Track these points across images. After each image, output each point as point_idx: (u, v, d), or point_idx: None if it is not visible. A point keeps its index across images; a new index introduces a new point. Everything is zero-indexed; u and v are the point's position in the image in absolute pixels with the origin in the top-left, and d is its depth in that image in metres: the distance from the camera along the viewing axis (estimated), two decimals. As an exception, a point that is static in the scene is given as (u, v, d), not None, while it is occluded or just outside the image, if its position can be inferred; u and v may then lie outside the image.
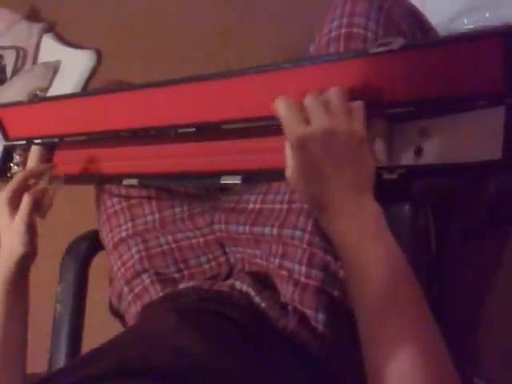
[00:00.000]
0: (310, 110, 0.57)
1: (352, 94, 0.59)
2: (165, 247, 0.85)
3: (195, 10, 1.71)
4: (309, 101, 0.58)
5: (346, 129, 0.56)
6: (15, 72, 1.92)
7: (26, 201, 0.80)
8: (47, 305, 0.90)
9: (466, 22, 1.07)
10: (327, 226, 0.58)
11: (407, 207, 0.68)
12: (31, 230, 0.81)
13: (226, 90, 0.72)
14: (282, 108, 0.58)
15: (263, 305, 0.71)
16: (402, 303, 0.52)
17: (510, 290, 1.01)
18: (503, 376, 0.99)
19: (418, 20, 0.76)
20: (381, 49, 0.58)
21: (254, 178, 0.74)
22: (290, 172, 0.59)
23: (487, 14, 1.03)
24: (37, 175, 0.86)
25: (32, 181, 0.86)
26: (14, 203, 0.81)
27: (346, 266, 0.57)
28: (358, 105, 0.58)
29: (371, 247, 0.54)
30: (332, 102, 0.58)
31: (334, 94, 0.58)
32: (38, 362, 0.86)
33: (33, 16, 2.04)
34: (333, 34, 0.71)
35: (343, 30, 0.70)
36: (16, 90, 1.80)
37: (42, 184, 0.84)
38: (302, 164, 0.57)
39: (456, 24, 1.07)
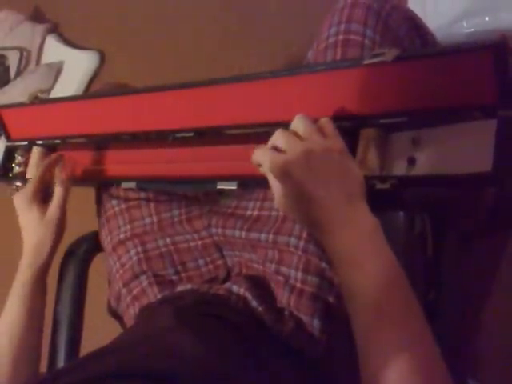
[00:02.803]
0: (282, 144, 0.58)
1: (347, 104, 0.60)
2: (163, 249, 0.85)
3: (196, 12, 1.71)
4: (278, 135, 0.59)
5: (323, 146, 0.57)
6: (19, 72, 1.92)
7: (59, 190, 0.86)
8: (47, 305, 0.90)
9: (465, 25, 1.06)
10: (324, 243, 0.58)
11: (402, 213, 0.68)
12: (64, 219, 0.87)
13: (224, 96, 0.73)
14: (257, 156, 0.60)
15: (260, 309, 0.71)
16: (397, 315, 0.52)
17: (507, 292, 1.02)
18: (498, 378, 0.99)
19: (415, 25, 0.76)
20: (374, 60, 0.58)
21: (249, 183, 0.74)
22: (278, 200, 0.59)
23: (487, 18, 1.03)
24: (51, 168, 0.89)
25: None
26: (40, 198, 0.86)
27: (342, 280, 0.57)
28: (325, 120, 0.60)
29: (365, 261, 0.54)
30: (299, 128, 0.59)
31: (297, 121, 0.59)
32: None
33: (36, 17, 2.04)
34: (330, 40, 0.71)
35: (341, 37, 0.70)
36: (19, 91, 1.81)
37: (59, 174, 0.89)
38: (288, 190, 0.57)
39: (456, 28, 1.07)
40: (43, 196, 0.87)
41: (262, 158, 0.59)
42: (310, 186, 0.56)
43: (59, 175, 0.88)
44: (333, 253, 0.57)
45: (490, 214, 0.99)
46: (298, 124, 0.59)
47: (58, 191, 0.86)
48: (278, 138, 0.59)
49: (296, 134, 0.59)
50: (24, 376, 0.80)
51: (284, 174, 0.57)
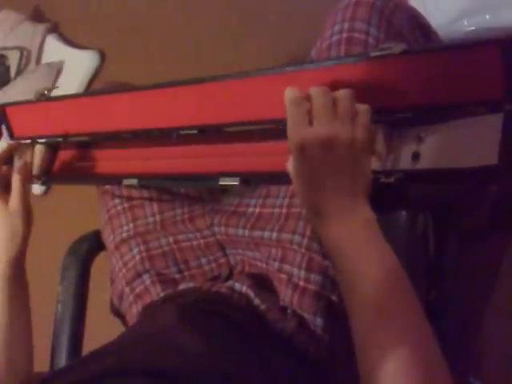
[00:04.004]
0: (315, 109, 0.57)
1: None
2: (166, 248, 0.85)
3: (197, 10, 1.71)
4: (316, 97, 0.57)
5: (348, 136, 0.56)
6: (19, 72, 1.92)
7: (16, 179, 0.81)
8: (48, 305, 0.90)
9: (466, 23, 1.06)
10: (320, 231, 0.58)
11: (405, 211, 0.68)
12: (28, 208, 0.82)
13: (227, 93, 0.72)
14: (288, 101, 0.57)
15: (262, 307, 0.71)
16: (394, 310, 0.52)
17: (509, 291, 1.02)
18: (499, 376, 0.99)
19: (419, 23, 0.76)
20: (381, 53, 0.59)
21: (252, 180, 0.74)
22: (291, 169, 0.59)
23: (487, 16, 1.03)
24: (8, 154, 0.84)
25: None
26: (2, 189, 0.81)
27: (338, 272, 0.57)
28: (366, 109, 0.57)
29: (363, 254, 0.54)
30: (340, 102, 0.57)
31: (343, 94, 0.57)
32: (39, 362, 0.86)
33: (37, 16, 2.04)
34: (334, 38, 0.71)
35: (344, 35, 0.70)
36: (20, 90, 1.81)
37: (20, 159, 0.84)
38: (299, 165, 0.57)
39: (456, 26, 1.07)
40: (4, 188, 0.82)
41: (289, 113, 0.57)
42: (319, 170, 0.56)
43: (16, 163, 0.83)
44: (327, 245, 0.57)
45: (492, 213, 0.99)
46: (342, 98, 0.57)
47: (14, 180, 0.81)
48: (316, 96, 0.57)
49: (333, 104, 0.57)
50: (18, 369, 0.79)
51: (300, 149, 0.56)
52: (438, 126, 0.59)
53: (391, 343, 0.50)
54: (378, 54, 0.59)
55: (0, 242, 0.81)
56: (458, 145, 0.57)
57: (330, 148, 0.55)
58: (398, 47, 0.57)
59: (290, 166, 0.59)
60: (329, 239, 0.57)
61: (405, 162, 0.60)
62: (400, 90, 0.60)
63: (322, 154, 0.55)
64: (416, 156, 0.59)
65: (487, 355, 1.02)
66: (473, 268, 1.02)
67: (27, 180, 0.83)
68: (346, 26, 0.70)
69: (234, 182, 0.72)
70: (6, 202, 0.81)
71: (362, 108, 0.57)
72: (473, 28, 1.05)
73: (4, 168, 0.83)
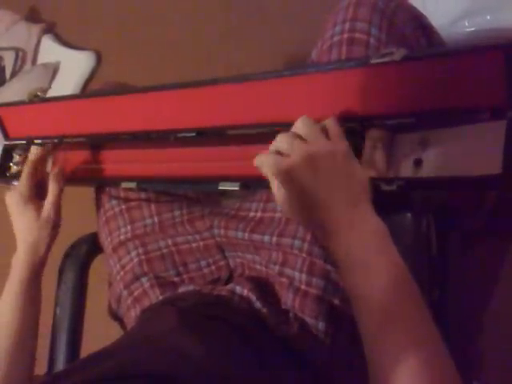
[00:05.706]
0: (285, 146, 0.57)
1: (353, 104, 0.59)
2: (164, 251, 0.84)
3: (195, 11, 1.71)
4: (280, 139, 0.58)
5: (327, 148, 0.56)
6: (14, 73, 1.92)
7: (53, 188, 0.84)
8: (46, 307, 0.89)
9: (467, 24, 1.06)
10: (328, 245, 0.58)
11: (408, 214, 0.68)
12: (59, 218, 0.85)
13: (227, 96, 0.72)
14: (260, 160, 0.59)
15: (264, 310, 0.70)
16: (403, 315, 0.52)
17: (508, 293, 1.01)
18: (502, 379, 0.99)
19: (421, 24, 0.75)
20: (382, 59, 0.58)
21: (252, 185, 0.73)
22: (281, 205, 0.59)
23: (488, 17, 1.03)
24: (41, 162, 0.88)
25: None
26: (34, 197, 0.84)
27: (348, 283, 0.56)
28: (330, 121, 0.59)
29: (371, 263, 0.54)
30: (302, 130, 0.58)
31: (300, 123, 0.59)
32: (37, 365, 0.86)
33: (32, 17, 2.03)
34: (335, 38, 0.70)
35: (345, 35, 0.69)
36: (15, 91, 1.80)
37: (55, 166, 0.87)
38: (293, 194, 0.57)
39: (457, 27, 1.07)
40: (37, 193, 0.85)
41: (266, 162, 0.58)
42: (314, 189, 0.56)
43: (52, 169, 0.86)
44: (338, 255, 0.56)
45: (492, 216, 0.99)
46: (301, 126, 0.59)
47: (51, 188, 0.84)
48: (281, 141, 0.58)
49: (299, 137, 0.58)
50: (19, 377, 0.79)
51: (289, 178, 0.56)
52: (441, 133, 0.58)
53: (400, 348, 0.50)
54: (378, 61, 0.58)
55: (24, 247, 0.83)
56: (461, 152, 0.56)
57: (315, 164, 0.56)
58: (398, 53, 0.57)
59: (279, 198, 0.59)
60: (338, 250, 0.56)
61: (406, 169, 0.59)
62: (402, 95, 0.59)
63: (309, 172, 0.56)
64: (418, 162, 0.59)
65: (487, 358, 1.02)
66: (472, 270, 1.02)
67: (63, 187, 0.86)
68: (347, 26, 0.69)
69: (234, 187, 0.72)
70: (39, 210, 0.84)
71: (327, 122, 0.59)
72: (473, 29, 1.05)
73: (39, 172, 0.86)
